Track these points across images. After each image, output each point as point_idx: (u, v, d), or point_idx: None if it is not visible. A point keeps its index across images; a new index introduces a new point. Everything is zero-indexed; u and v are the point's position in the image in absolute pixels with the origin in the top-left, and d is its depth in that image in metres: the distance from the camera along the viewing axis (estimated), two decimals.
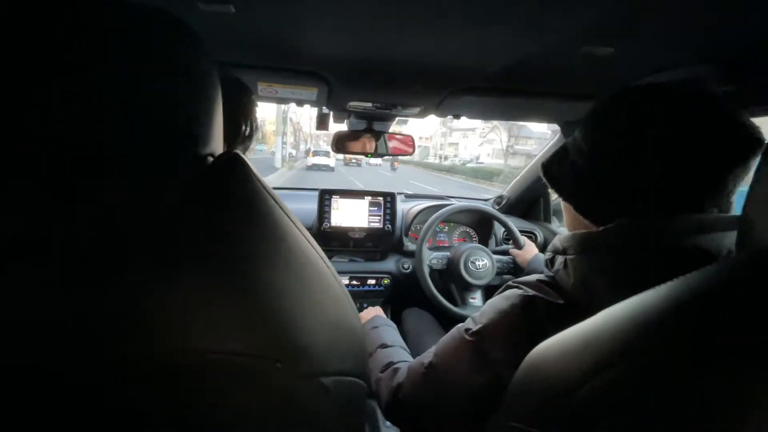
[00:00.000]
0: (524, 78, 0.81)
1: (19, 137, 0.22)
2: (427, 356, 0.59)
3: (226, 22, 0.61)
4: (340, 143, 1.23)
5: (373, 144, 1.25)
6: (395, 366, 0.69)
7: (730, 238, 0.41)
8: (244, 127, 0.49)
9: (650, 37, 0.59)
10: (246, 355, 0.25)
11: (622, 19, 0.52)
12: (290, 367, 0.26)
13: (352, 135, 1.24)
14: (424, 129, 59.45)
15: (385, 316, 0.96)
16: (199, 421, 0.25)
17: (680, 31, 0.56)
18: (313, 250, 0.31)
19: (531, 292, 0.50)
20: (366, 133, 1.23)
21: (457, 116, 1.12)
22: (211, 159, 0.28)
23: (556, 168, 0.52)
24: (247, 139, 0.50)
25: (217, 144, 0.29)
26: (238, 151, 0.28)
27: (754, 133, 0.41)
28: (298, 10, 0.56)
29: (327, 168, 18.27)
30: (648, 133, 0.43)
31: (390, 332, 0.85)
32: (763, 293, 0.25)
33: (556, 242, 0.51)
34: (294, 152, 27.40)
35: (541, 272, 0.54)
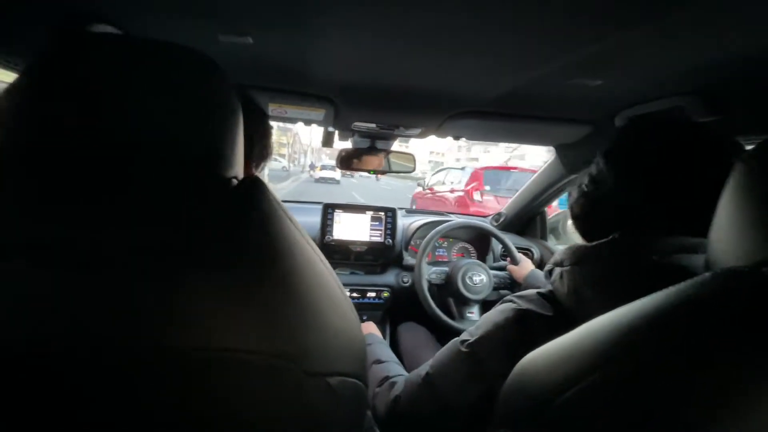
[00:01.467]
0: (519, 104, 0.86)
1: (62, 158, 0.25)
2: (425, 368, 0.61)
3: (244, 51, 0.66)
4: (345, 160, 1.28)
5: (376, 161, 1.30)
6: (392, 380, 0.70)
7: None
8: (259, 149, 0.53)
9: (634, 71, 0.63)
10: (260, 353, 0.27)
11: (607, 55, 0.57)
12: (300, 365, 0.28)
13: (356, 153, 1.28)
14: (437, 144, 54.71)
15: (378, 332, 0.99)
16: (215, 417, 0.27)
17: (661, 66, 0.61)
18: (321, 263, 0.34)
19: (524, 305, 0.54)
20: (369, 151, 1.27)
21: (456, 138, 1.17)
22: (234, 181, 0.31)
23: (573, 189, 0.58)
24: (261, 160, 0.54)
25: (239, 167, 0.32)
26: (259, 176, 0.32)
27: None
28: (309, 40, 0.61)
29: (333, 181, 19.27)
30: (641, 161, 0.48)
31: (383, 348, 0.87)
32: (725, 311, 0.27)
33: (556, 255, 0.55)
34: (288, 165, 25.06)
35: (538, 287, 0.57)
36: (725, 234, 0.32)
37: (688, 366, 0.28)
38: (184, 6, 0.53)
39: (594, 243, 0.49)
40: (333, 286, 0.34)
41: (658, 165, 0.47)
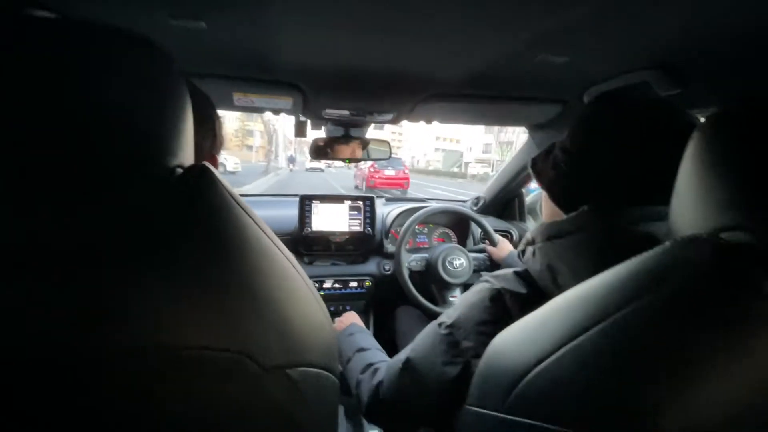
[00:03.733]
0: (490, 84, 0.86)
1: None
2: (405, 353, 0.61)
3: (199, 37, 0.63)
4: (318, 150, 1.26)
5: (351, 150, 1.28)
6: (375, 366, 0.70)
7: None
8: (210, 140, 0.51)
9: (599, 47, 0.63)
10: (215, 349, 0.26)
11: (571, 31, 0.57)
12: (256, 360, 0.27)
13: (330, 141, 1.26)
14: (452, 129, 45.79)
15: (360, 322, 0.99)
16: (176, 415, 0.26)
17: (625, 41, 0.61)
18: (280, 252, 0.33)
19: (498, 284, 0.54)
20: (343, 139, 1.25)
21: (429, 122, 1.16)
22: (180, 170, 0.29)
23: (540, 161, 0.58)
24: (213, 152, 0.51)
25: (186, 156, 0.30)
26: (206, 164, 0.30)
27: None
28: (268, 24, 0.58)
29: (319, 170, 24.44)
30: (612, 135, 0.49)
31: (365, 337, 0.87)
32: (686, 276, 0.28)
33: (528, 234, 0.55)
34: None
35: (517, 266, 0.58)
36: (684, 202, 0.33)
37: (652, 337, 0.28)
38: None
39: (564, 218, 0.50)
40: (294, 278, 0.33)
41: (624, 138, 0.48)
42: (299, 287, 0.33)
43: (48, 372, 0.24)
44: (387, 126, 1.20)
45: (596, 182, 0.50)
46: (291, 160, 24.64)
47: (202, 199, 0.29)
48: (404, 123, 1.20)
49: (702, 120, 0.45)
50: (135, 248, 0.26)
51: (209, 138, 0.50)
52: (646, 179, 0.47)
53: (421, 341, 0.60)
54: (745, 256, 0.26)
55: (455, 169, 36.88)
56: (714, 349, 0.26)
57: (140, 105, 0.27)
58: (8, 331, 0.23)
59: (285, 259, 0.33)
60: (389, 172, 13.16)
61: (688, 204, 0.32)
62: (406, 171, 13.94)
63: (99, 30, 0.27)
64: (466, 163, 37.55)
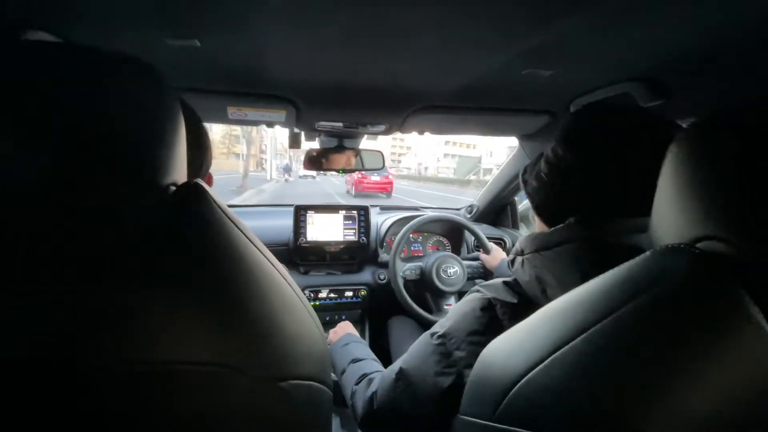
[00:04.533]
0: (478, 96, 0.88)
1: None
2: (398, 363, 0.61)
3: (193, 54, 0.64)
4: (312, 161, 1.27)
5: (345, 160, 1.29)
6: (369, 377, 0.70)
7: None
8: (198, 155, 0.51)
9: (583, 60, 0.65)
10: (206, 364, 0.27)
11: (555, 45, 0.59)
12: (247, 373, 0.28)
13: (324, 152, 1.28)
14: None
15: (355, 332, 0.98)
16: (166, 429, 0.26)
17: (608, 54, 0.63)
18: (272, 266, 0.33)
19: (489, 294, 0.55)
20: (337, 150, 1.27)
21: (421, 132, 1.18)
22: (173, 188, 0.30)
23: (529, 171, 0.59)
24: (202, 167, 0.52)
25: (179, 174, 0.31)
26: (199, 181, 0.31)
27: None
28: (261, 41, 0.60)
29: (311, 177, 26.32)
30: (593, 146, 0.49)
31: (360, 347, 0.88)
32: (665, 286, 0.29)
33: (517, 244, 0.56)
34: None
35: (509, 275, 0.58)
36: (663, 212, 0.33)
37: (634, 344, 0.29)
38: (123, 12, 0.51)
39: (552, 229, 0.50)
40: (286, 291, 0.34)
41: (603, 149, 0.48)
42: (291, 300, 0.34)
43: (39, 383, 0.24)
44: (391, 136, 1.21)
45: (578, 194, 0.50)
46: (287, 169, 24.48)
47: (195, 217, 0.29)
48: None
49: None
50: (128, 264, 0.26)
51: (200, 153, 0.50)
52: (629, 190, 0.47)
53: (414, 352, 0.60)
54: (721, 265, 0.27)
55: (472, 177, 34.60)
56: (692, 355, 0.27)
57: (134, 125, 0.28)
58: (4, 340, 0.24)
59: (276, 273, 0.34)
60: (375, 178, 16.00)
61: (667, 214, 0.33)
62: (389, 177, 17.07)
63: (92, 53, 0.28)
64: (486, 170, 35.03)
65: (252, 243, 0.32)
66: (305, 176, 26.01)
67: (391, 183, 16.41)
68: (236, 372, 0.27)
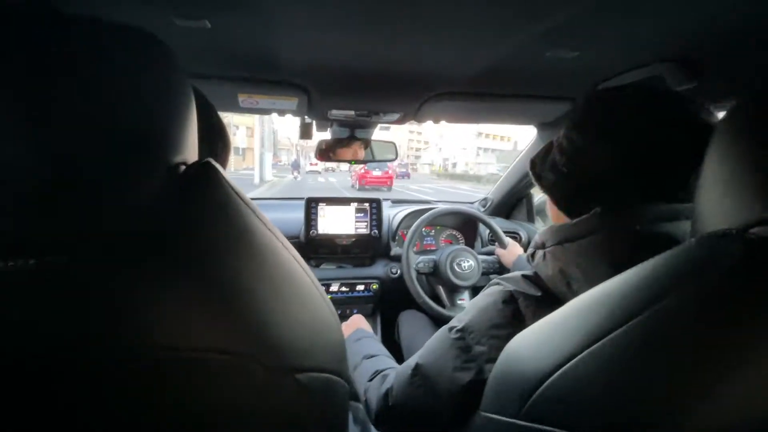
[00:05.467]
0: (497, 82, 0.85)
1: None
2: (414, 359, 0.60)
3: (204, 36, 0.62)
4: (324, 152, 1.25)
5: (357, 151, 1.27)
6: (383, 373, 0.69)
7: None
8: (216, 145, 0.50)
9: (611, 40, 0.62)
10: (221, 352, 0.25)
11: (582, 24, 0.56)
12: (263, 363, 0.27)
13: (336, 143, 1.25)
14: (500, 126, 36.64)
15: (368, 326, 0.97)
16: (181, 417, 0.25)
17: (638, 33, 0.59)
18: (287, 252, 0.32)
19: (510, 287, 0.52)
20: (349, 140, 1.24)
21: (436, 121, 1.15)
22: (183, 167, 0.29)
23: (539, 164, 0.55)
24: (220, 156, 0.51)
25: (190, 153, 0.30)
26: (210, 160, 0.29)
27: (712, 130, 0.44)
28: (273, 23, 0.58)
29: (316, 172, 27.99)
30: (617, 129, 0.46)
31: (373, 343, 0.86)
32: (717, 274, 0.27)
33: (536, 237, 0.53)
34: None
35: (526, 270, 0.56)
36: (711, 198, 0.32)
37: (679, 338, 0.27)
38: None
39: (575, 220, 0.48)
40: (303, 279, 0.32)
41: (630, 133, 0.45)
42: (308, 289, 0.32)
43: (49, 373, 0.23)
44: (406, 126, 1.19)
45: (599, 182, 0.47)
46: (295, 165, 23.37)
47: (206, 197, 0.28)
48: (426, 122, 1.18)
49: (718, 114, 0.44)
50: (137, 247, 0.25)
51: (218, 144, 0.49)
52: (654, 175, 0.45)
53: (431, 346, 0.58)
54: None
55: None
56: (745, 348, 0.25)
57: (143, 100, 0.27)
58: (9, 332, 0.23)
59: (293, 260, 0.32)
60: (377, 173, 16.74)
61: (715, 199, 0.31)
62: (390, 173, 18.08)
63: (103, 25, 0.26)
64: None
65: (266, 227, 0.30)
66: (312, 172, 26.77)
67: (391, 177, 17.80)
68: (252, 361, 0.26)
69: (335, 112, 1.04)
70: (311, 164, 28.99)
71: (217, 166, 0.30)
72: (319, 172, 27.99)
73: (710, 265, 0.27)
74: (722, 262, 0.27)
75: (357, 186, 16.58)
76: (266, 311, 0.28)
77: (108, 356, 0.24)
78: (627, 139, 0.45)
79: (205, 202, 0.28)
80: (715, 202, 0.31)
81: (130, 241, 0.25)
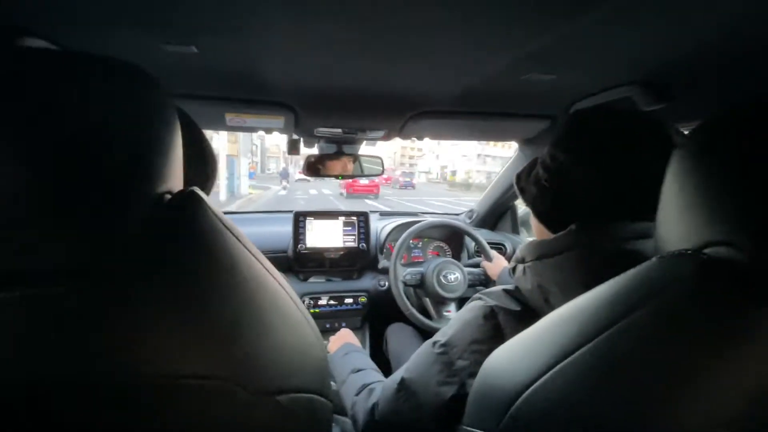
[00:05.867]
0: (479, 101, 0.87)
1: None
2: (400, 373, 0.60)
3: (191, 60, 0.63)
4: (312, 167, 1.26)
5: (343, 166, 1.29)
6: (370, 387, 0.69)
7: None
8: (201, 169, 0.50)
9: (585, 64, 0.65)
10: (202, 377, 0.26)
11: (556, 49, 0.58)
12: (244, 386, 0.27)
13: (323, 158, 1.27)
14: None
15: (356, 340, 0.97)
16: None
17: (609, 58, 0.62)
18: (270, 275, 0.32)
19: (491, 302, 0.54)
20: (336, 156, 1.26)
21: (420, 138, 1.17)
22: (168, 197, 0.29)
23: (524, 178, 0.58)
24: (206, 181, 0.51)
25: (175, 182, 0.30)
26: (195, 189, 0.30)
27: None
28: (259, 46, 0.59)
29: (306, 180, 26.58)
30: (595, 150, 0.48)
31: (360, 357, 0.86)
32: (670, 294, 0.28)
33: (517, 252, 0.55)
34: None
35: (510, 283, 0.57)
36: (670, 217, 0.33)
37: (642, 352, 0.28)
38: (118, 18, 0.50)
39: (553, 236, 0.50)
40: (286, 302, 0.33)
41: (607, 155, 0.47)
42: (289, 311, 0.33)
43: (33, 400, 0.23)
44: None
45: (578, 199, 0.49)
46: (284, 175, 21.49)
47: (191, 225, 0.28)
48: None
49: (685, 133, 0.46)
50: (121, 275, 0.26)
51: (204, 167, 0.49)
52: (629, 193, 0.47)
53: (416, 361, 0.59)
54: (728, 271, 0.26)
55: None
56: (701, 364, 0.27)
57: (125, 130, 0.27)
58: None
59: (276, 283, 0.33)
60: (364, 182, 17.19)
61: (673, 219, 0.32)
62: (376, 181, 18.64)
63: (82, 58, 0.27)
64: None
65: (250, 252, 0.31)
66: (301, 180, 26.73)
67: (377, 186, 19.03)
68: (233, 386, 0.27)
69: (322, 130, 1.06)
70: (300, 172, 28.47)
71: (202, 195, 0.30)
72: (309, 181, 27.67)
73: (668, 283, 0.28)
74: (679, 280, 0.28)
75: (345, 194, 17.50)
76: (250, 338, 0.28)
77: (92, 383, 0.24)
78: (604, 161, 0.47)
79: (190, 232, 0.28)
80: (674, 221, 0.32)
81: (116, 272, 0.25)
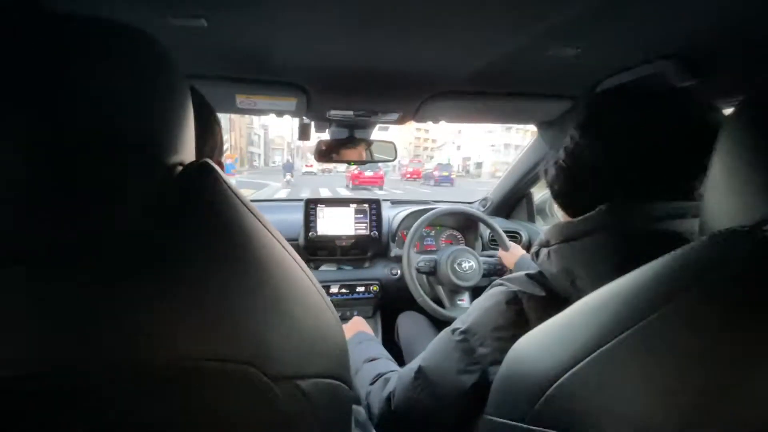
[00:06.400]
0: (497, 80, 0.84)
1: None
2: (417, 362, 0.59)
3: (200, 36, 0.62)
4: (323, 152, 1.24)
5: (356, 152, 1.26)
6: (385, 376, 0.69)
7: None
8: (210, 144, 0.50)
9: (612, 36, 0.62)
10: (220, 360, 0.25)
11: (583, 22, 0.55)
12: (265, 371, 0.26)
13: (335, 144, 1.24)
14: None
15: (368, 329, 0.97)
16: (181, 428, 0.25)
17: (640, 30, 0.59)
18: (289, 255, 0.31)
19: (514, 287, 0.52)
20: (348, 141, 1.24)
21: (436, 121, 1.14)
22: (180, 168, 0.28)
23: (546, 164, 0.56)
24: (214, 156, 0.51)
25: (187, 153, 0.29)
26: (208, 160, 0.29)
27: (717, 126, 0.44)
28: (272, 22, 0.57)
29: (312, 173, 29.08)
30: (617, 128, 0.46)
31: (374, 346, 0.86)
32: (727, 273, 0.26)
33: (541, 235, 0.53)
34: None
35: (529, 269, 0.56)
36: (720, 195, 0.31)
37: (690, 339, 0.27)
38: None
39: (580, 218, 0.48)
40: (305, 283, 0.32)
41: (635, 132, 0.46)
42: (310, 293, 0.32)
43: (46, 387, 0.22)
44: (413, 127, 1.17)
45: (600, 180, 0.48)
46: (288, 167, 19.55)
47: (204, 198, 0.27)
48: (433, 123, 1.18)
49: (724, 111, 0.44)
50: (133, 251, 0.25)
51: (209, 143, 0.49)
52: (652, 174, 0.45)
53: (434, 349, 0.58)
54: None
55: None
56: (758, 351, 0.25)
57: (140, 100, 0.26)
58: (8, 340, 0.22)
59: (294, 263, 0.31)
60: (368, 173, 17.82)
61: (724, 197, 0.31)
62: (381, 173, 19.27)
63: (97, 23, 0.26)
64: None
65: (266, 228, 0.30)
66: (307, 173, 27.36)
67: (381, 177, 19.18)
68: (252, 368, 0.26)
69: (334, 113, 1.04)
70: (307, 165, 29.68)
71: (215, 165, 0.29)
72: (315, 173, 28.33)
73: (720, 264, 0.27)
74: (732, 261, 0.26)
75: (350, 186, 17.68)
76: (268, 318, 0.27)
77: (107, 366, 0.23)
78: (629, 139, 0.46)
79: (205, 203, 0.27)
80: (723, 199, 0.31)
81: (130, 246, 0.24)
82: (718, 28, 0.57)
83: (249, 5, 0.52)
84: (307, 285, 0.32)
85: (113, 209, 0.25)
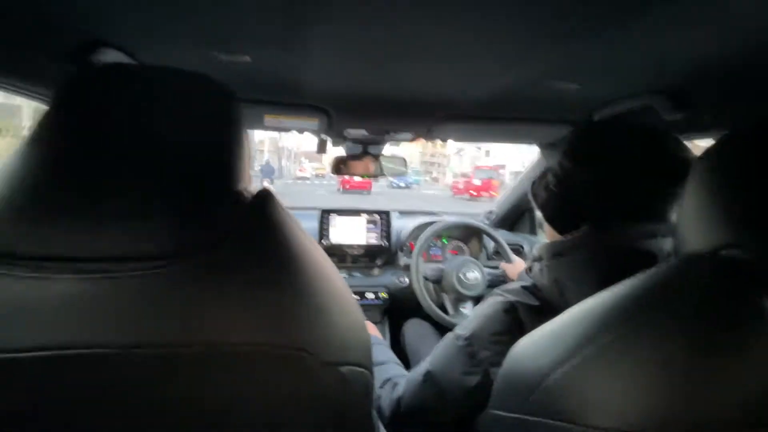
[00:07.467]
0: (503, 106, 0.91)
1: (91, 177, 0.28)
2: (424, 366, 0.64)
3: (243, 68, 0.69)
4: (339, 166, 1.32)
5: (369, 166, 1.33)
6: (393, 381, 0.72)
7: (669, 243, 0.50)
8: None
9: (607, 72, 0.67)
10: (281, 346, 0.30)
11: (578, 60, 0.61)
12: (317, 356, 0.31)
13: (349, 158, 1.32)
14: None
15: (377, 333, 1.01)
16: (238, 407, 0.29)
17: (631, 67, 0.64)
18: (326, 262, 0.37)
19: (511, 297, 0.58)
20: (361, 156, 1.31)
21: (444, 140, 1.21)
22: (246, 194, 0.34)
23: (537, 184, 0.63)
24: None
25: (247, 180, 0.35)
26: (268, 186, 0.35)
27: (688, 162, 0.50)
28: (303, 56, 0.64)
29: (305, 179, 27.47)
30: (600, 158, 0.54)
31: (382, 350, 0.90)
32: (690, 290, 0.31)
33: (534, 251, 0.60)
34: None
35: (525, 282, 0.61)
36: (689, 222, 0.36)
37: (661, 345, 0.31)
38: (186, 31, 0.56)
39: (568, 237, 0.54)
40: (340, 286, 0.37)
41: (612, 163, 0.53)
42: (345, 292, 0.37)
43: (100, 369, 0.27)
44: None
45: (585, 204, 0.54)
46: (267, 172, 15.19)
47: (271, 218, 0.33)
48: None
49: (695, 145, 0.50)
50: (220, 259, 0.30)
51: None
52: (631, 200, 0.52)
53: (440, 354, 0.63)
54: (742, 272, 0.29)
55: None
56: (714, 362, 0.28)
57: (211, 136, 0.32)
58: (62, 326, 0.27)
59: (332, 271, 0.38)
60: (357, 179, 18.76)
61: (693, 222, 0.35)
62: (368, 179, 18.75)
63: (170, 72, 0.32)
64: None
65: (312, 244, 0.36)
66: (301, 178, 26.43)
67: (369, 183, 18.67)
68: (304, 353, 0.31)
69: (351, 131, 1.11)
70: (300, 170, 28.61)
71: (274, 192, 0.35)
72: (308, 178, 26.75)
73: (683, 283, 0.31)
74: (692, 280, 0.31)
75: (341, 190, 18.35)
76: (315, 313, 0.33)
77: (183, 351, 0.28)
78: (609, 168, 0.53)
79: (271, 222, 0.33)
80: (692, 224, 0.35)
81: (217, 255, 0.30)
82: (701, 68, 0.61)
83: (287, 42, 0.59)
84: (345, 289, 0.38)
85: (204, 227, 0.31)
